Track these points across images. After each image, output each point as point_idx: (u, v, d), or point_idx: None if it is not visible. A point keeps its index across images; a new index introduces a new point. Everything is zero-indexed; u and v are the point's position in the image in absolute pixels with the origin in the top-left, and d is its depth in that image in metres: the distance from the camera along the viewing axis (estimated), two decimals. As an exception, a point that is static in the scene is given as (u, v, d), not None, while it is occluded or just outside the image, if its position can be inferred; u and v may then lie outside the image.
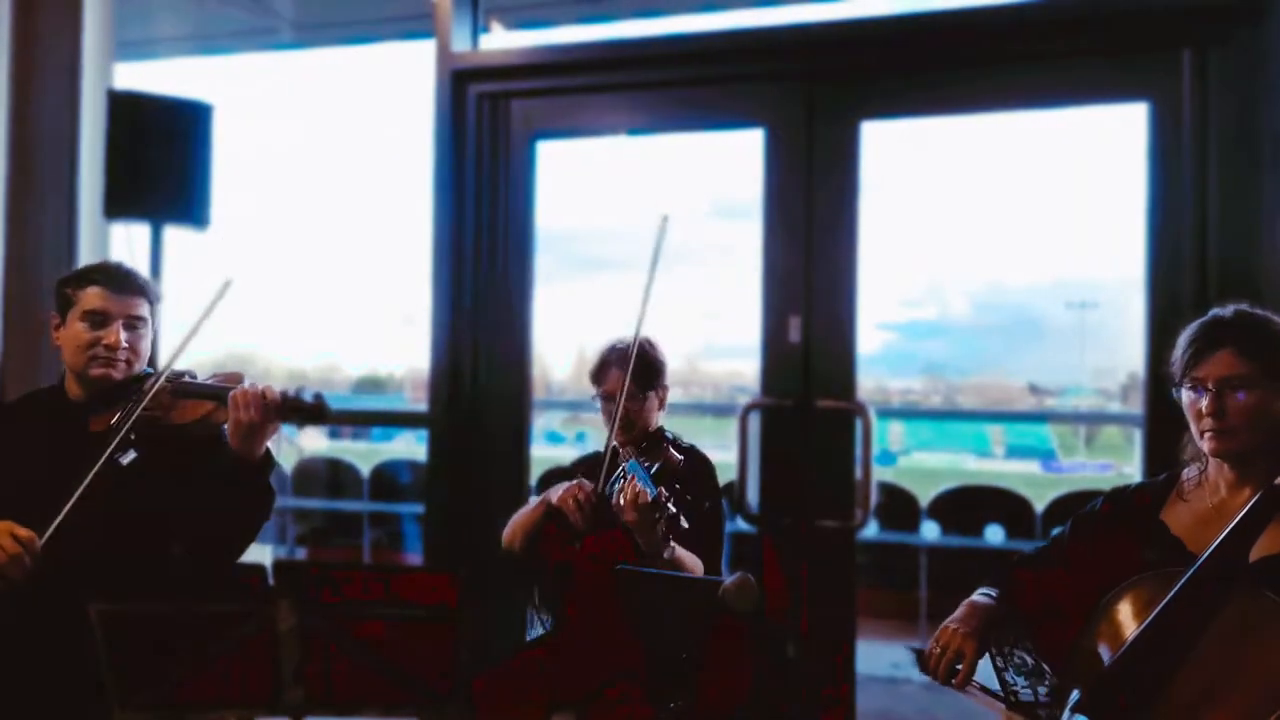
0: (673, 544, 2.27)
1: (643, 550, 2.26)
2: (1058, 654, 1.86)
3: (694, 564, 2.34)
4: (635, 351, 2.44)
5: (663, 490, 2.19)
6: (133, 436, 2.00)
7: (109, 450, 1.96)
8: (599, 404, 2.56)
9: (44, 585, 1.87)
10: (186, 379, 2.13)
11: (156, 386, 2.04)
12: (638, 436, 2.50)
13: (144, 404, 2.02)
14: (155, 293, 2.21)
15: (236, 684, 1.54)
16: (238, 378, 2.10)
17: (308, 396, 2.00)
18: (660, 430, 2.55)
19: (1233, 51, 2.87)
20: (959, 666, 1.84)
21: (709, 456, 2.54)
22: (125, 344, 2.11)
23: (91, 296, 2.11)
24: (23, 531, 1.85)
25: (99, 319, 2.10)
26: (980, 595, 1.94)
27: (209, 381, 2.13)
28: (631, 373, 2.42)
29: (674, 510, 2.17)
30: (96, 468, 1.92)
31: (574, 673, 2.41)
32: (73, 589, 1.60)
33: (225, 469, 2.03)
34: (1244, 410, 1.73)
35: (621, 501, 2.23)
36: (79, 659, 1.57)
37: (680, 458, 2.44)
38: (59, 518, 1.88)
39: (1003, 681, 1.91)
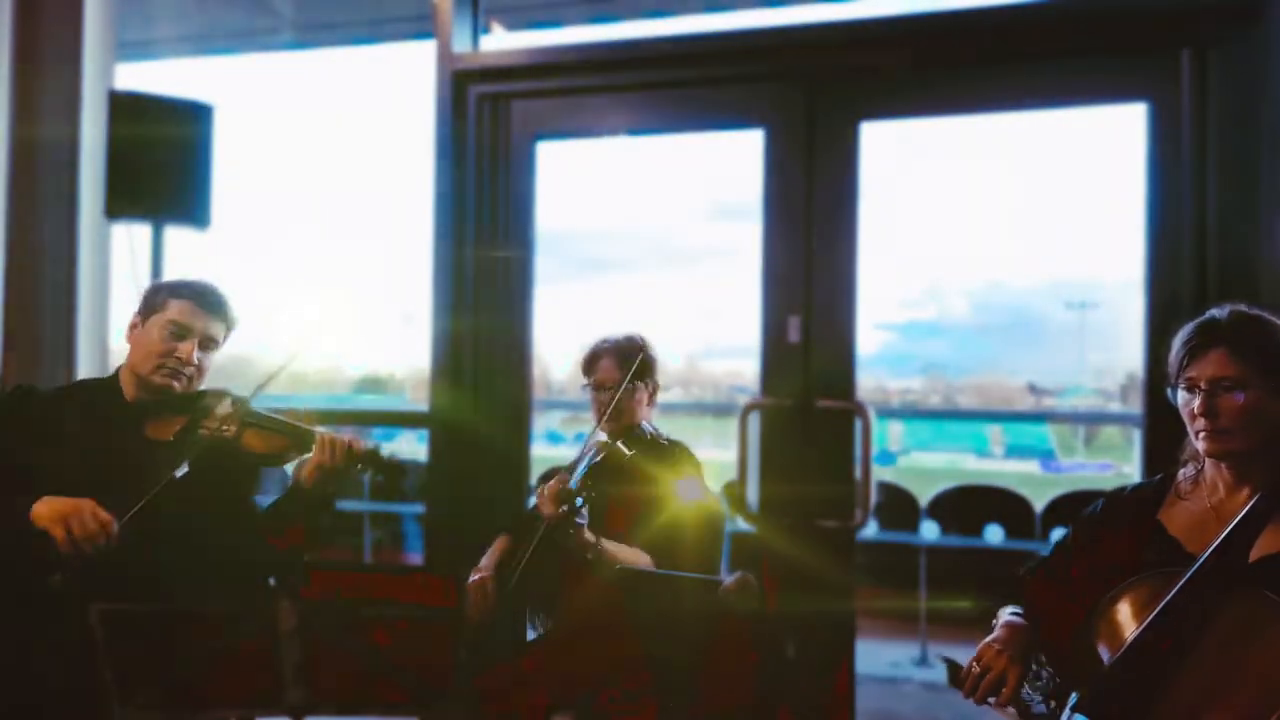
0: (598, 540, 2.29)
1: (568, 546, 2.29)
2: (1065, 661, 1.84)
3: (630, 556, 2.35)
4: (627, 343, 2.53)
5: (585, 483, 2.26)
6: (190, 452, 2.06)
7: (183, 471, 2.03)
8: (589, 394, 2.57)
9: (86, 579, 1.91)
10: (253, 408, 2.17)
11: (232, 417, 2.13)
12: (624, 428, 2.51)
13: (217, 429, 2.10)
14: (234, 319, 2.25)
15: (236, 684, 1.54)
16: (311, 418, 2.20)
17: (386, 453, 2.15)
18: (638, 425, 2.55)
19: (1232, 52, 2.88)
20: (1001, 689, 1.78)
21: (695, 454, 2.55)
22: (195, 361, 2.16)
23: (179, 309, 2.15)
24: (104, 514, 1.93)
25: (180, 331, 2.14)
26: (1013, 616, 1.90)
27: (283, 418, 2.20)
28: (621, 363, 2.50)
29: (580, 504, 2.23)
30: (159, 486, 1.99)
31: (574, 673, 2.41)
32: (106, 589, 1.61)
33: (288, 503, 2.17)
34: (1237, 411, 1.73)
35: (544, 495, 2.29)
36: (89, 659, 1.58)
37: (629, 453, 2.44)
38: (133, 510, 1.96)
39: (1020, 694, 1.87)
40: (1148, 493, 1.92)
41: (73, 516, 1.91)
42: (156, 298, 2.18)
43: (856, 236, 3.22)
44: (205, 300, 2.18)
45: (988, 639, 1.84)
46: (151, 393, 2.16)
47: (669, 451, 2.52)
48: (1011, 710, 1.79)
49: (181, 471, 2.03)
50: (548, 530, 2.29)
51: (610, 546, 2.32)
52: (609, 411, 2.47)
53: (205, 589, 1.93)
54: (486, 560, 2.61)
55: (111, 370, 2.27)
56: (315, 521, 2.18)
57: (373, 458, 2.13)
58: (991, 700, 1.79)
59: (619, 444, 2.44)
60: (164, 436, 2.11)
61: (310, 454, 2.14)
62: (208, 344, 2.19)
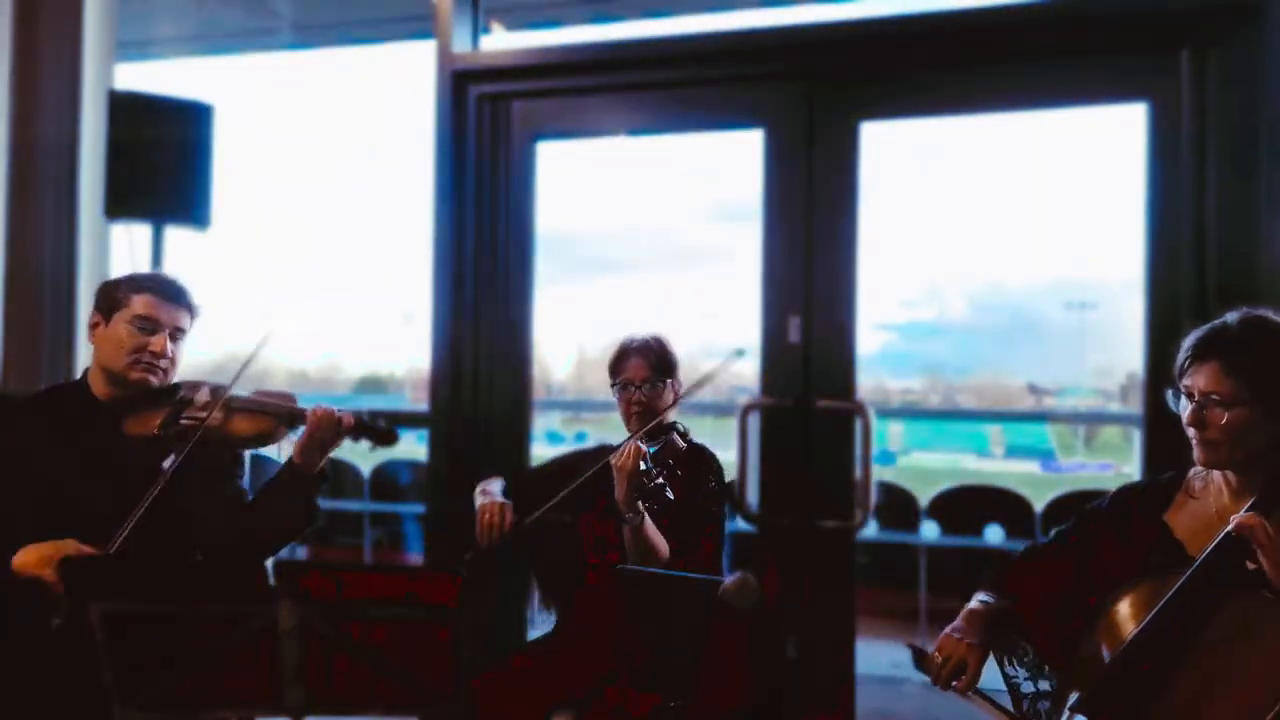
0: (644, 513, 2.31)
1: (616, 502, 2.31)
2: (1054, 648, 1.87)
3: (659, 543, 2.37)
4: (654, 342, 2.58)
5: (660, 468, 2.28)
6: (177, 444, 2.05)
7: (173, 462, 2.02)
8: (616, 394, 2.59)
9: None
10: (236, 393, 2.16)
11: (215, 404, 2.10)
12: (652, 427, 2.51)
13: (205, 419, 2.07)
14: (197, 307, 2.25)
15: (236, 684, 1.54)
16: (290, 397, 2.20)
17: (380, 423, 2.15)
18: (673, 423, 2.59)
19: (1231, 52, 2.88)
20: (962, 675, 1.84)
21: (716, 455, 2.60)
22: (169, 354, 2.16)
23: (144, 303, 2.15)
24: (86, 550, 1.92)
25: (149, 326, 2.14)
26: (977, 602, 1.94)
27: (265, 399, 2.19)
28: (649, 361, 2.55)
29: (661, 481, 2.25)
30: (160, 482, 1.98)
31: (574, 672, 2.42)
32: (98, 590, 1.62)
33: (283, 480, 2.15)
34: (1224, 426, 1.72)
35: (620, 455, 2.30)
36: (87, 659, 1.58)
37: (684, 445, 2.53)
38: (125, 527, 1.93)
39: (1004, 673, 1.93)
40: (1156, 493, 1.92)
41: (58, 559, 1.88)
42: (117, 293, 2.17)
43: (856, 236, 3.22)
44: (168, 292, 2.18)
45: (948, 628, 1.90)
46: (127, 389, 2.15)
47: (701, 451, 2.58)
48: (976, 693, 1.85)
49: (168, 462, 2.02)
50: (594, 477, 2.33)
51: (649, 524, 2.34)
52: (639, 409, 2.51)
53: (207, 578, 1.94)
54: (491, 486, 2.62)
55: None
56: (311, 497, 2.17)
57: (360, 426, 2.14)
58: (955, 684, 1.85)
59: (676, 437, 2.50)
60: (144, 432, 2.10)
61: (300, 431, 2.14)
62: (177, 335, 2.18)
